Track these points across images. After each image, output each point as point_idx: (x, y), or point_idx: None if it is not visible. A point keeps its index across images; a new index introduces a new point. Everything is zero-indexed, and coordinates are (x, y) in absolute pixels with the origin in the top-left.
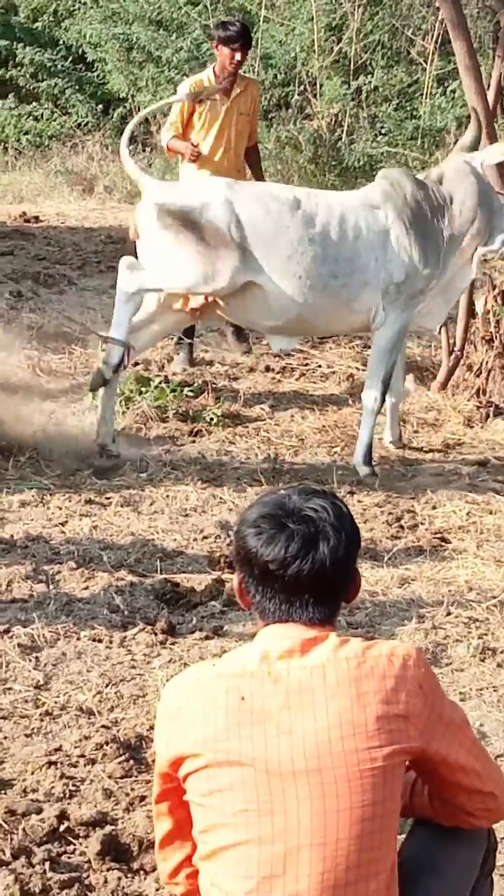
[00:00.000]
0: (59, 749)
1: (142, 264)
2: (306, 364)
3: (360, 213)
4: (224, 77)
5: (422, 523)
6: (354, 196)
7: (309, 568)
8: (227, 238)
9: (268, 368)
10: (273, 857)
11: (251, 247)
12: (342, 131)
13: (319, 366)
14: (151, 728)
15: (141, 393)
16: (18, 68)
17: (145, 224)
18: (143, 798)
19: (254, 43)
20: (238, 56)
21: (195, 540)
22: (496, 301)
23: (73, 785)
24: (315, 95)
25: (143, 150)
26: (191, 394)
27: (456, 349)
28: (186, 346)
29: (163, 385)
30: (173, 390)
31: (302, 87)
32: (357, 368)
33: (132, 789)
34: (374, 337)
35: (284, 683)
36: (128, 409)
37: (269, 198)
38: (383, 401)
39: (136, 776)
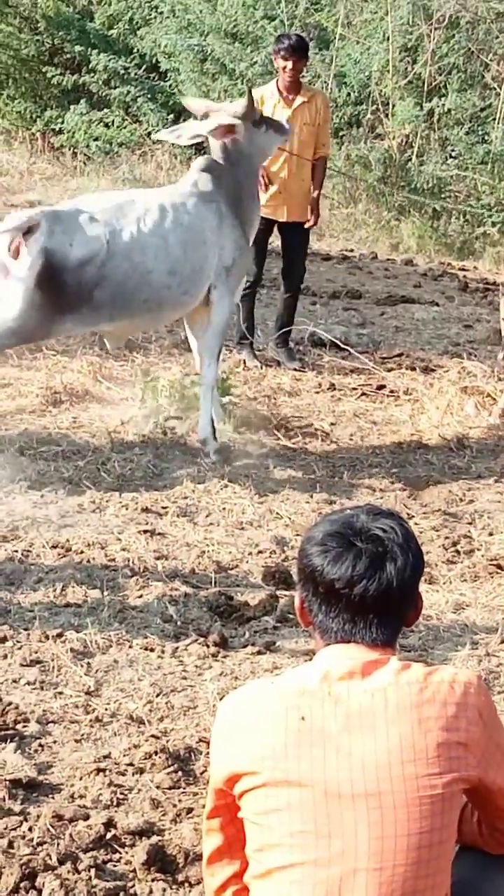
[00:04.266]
0: (108, 756)
1: None
2: (368, 384)
3: (201, 212)
4: (285, 87)
5: (478, 549)
6: (190, 192)
7: (375, 588)
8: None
9: (332, 386)
10: (329, 881)
11: (109, 300)
12: (412, 152)
13: (382, 386)
14: (201, 740)
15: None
16: (92, 74)
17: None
18: (190, 810)
19: (328, 61)
20: (290, 66)
21: (250, 554)
22: None
23: (121, 793)
24: (387, 115)
25: None
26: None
27: None
28: (248, 344)
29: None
30: (226, 393)
31: (374, 107)
32: (422, 392)
33: (179, 801)
34: (211, 318)
35: (345, 705)
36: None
37: (126, 233)
38: (217, 382)
39: (184, 788)
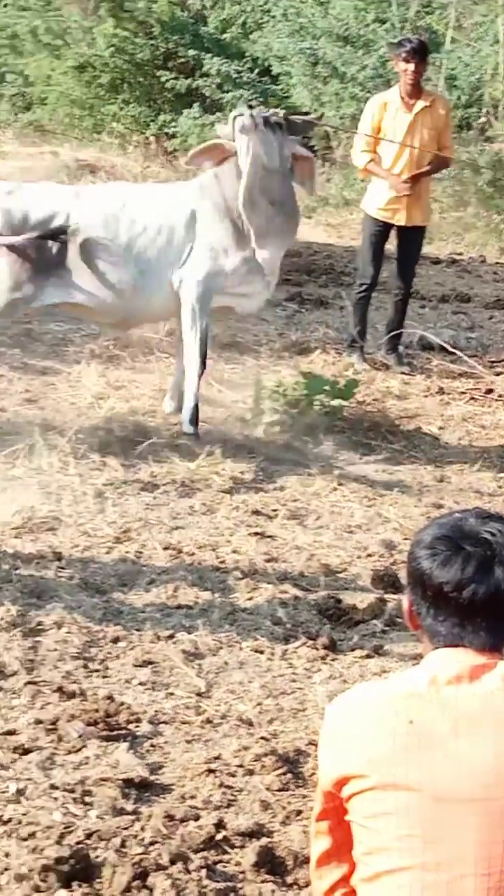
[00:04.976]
0: (218, 758)
1: None
2: (477, 388)
3: (176, 210)
4: (406, 92)
5: None
6: (171, 192)
7: (484, 591)
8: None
9: (440, 390)
10: (437, 885)
11: (83, 268)
12: None
13: (491, 390)
14: (310, 743)
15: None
16: (205, 78)
17: None
18: (299, 812)
19: (439, 63)
20: (412, 69)
21: (359, 557)
22: None
23: (231, 794)
24: (497, 118)
25: (323, 165)
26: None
27: None
28: (359, 348)
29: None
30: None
31: (485, 110)
32: None
33: (289, 803)
34: (182, 301)
35: (453, 709)
36: (299, 414)
37: (108, 213)
38: (204, 364)
39: (294, 790)
